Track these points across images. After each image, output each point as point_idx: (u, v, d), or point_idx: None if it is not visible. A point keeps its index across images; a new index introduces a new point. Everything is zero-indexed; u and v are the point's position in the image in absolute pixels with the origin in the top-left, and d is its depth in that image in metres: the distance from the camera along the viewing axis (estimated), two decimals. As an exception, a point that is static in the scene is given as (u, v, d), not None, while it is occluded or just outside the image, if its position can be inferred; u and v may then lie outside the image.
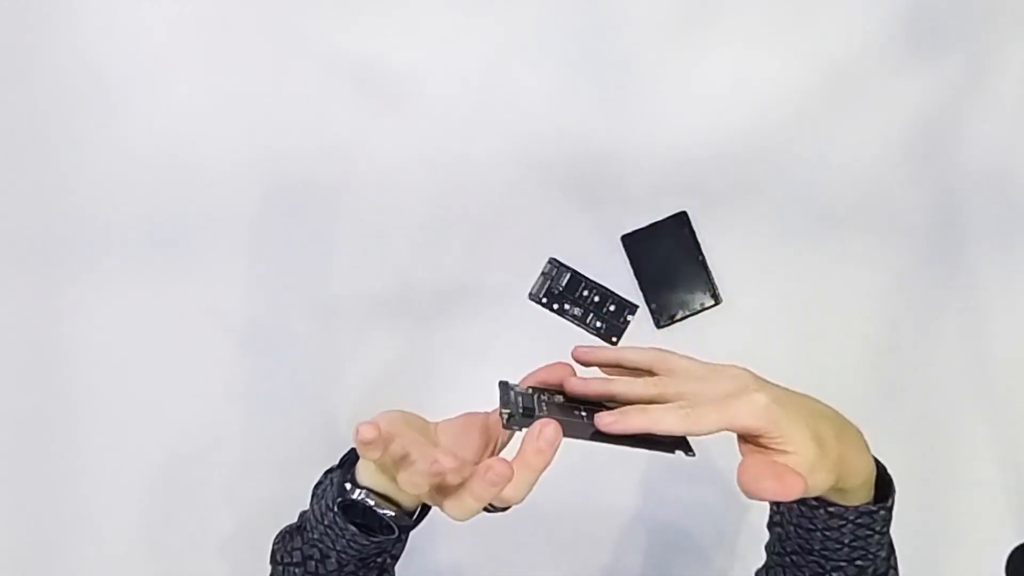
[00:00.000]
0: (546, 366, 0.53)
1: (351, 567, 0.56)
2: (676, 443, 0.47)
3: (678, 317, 0.94)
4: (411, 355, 0.94)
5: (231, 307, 0.94)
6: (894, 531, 0.55)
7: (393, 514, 0.52)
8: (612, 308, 0.94)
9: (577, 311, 0.94)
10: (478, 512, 0.46)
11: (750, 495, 0.43)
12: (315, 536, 0.55)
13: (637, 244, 0.94)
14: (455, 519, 0.46)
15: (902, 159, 0.95)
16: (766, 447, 0.45)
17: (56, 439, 0.93)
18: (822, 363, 0.93)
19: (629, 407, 0.47)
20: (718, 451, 0.53)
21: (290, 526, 0.60)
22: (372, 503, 0.52)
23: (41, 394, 0.94)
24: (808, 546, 0.55)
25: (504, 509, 0.47)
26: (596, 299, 0.94)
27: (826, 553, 0.54)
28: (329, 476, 0.57)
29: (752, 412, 0.44)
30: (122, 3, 0.96)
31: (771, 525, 0.61)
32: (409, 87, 0.96)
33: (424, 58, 0.96)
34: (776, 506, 0.60)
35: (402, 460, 0.47)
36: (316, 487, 0.58)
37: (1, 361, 0.94)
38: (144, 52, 0.96)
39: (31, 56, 0.95)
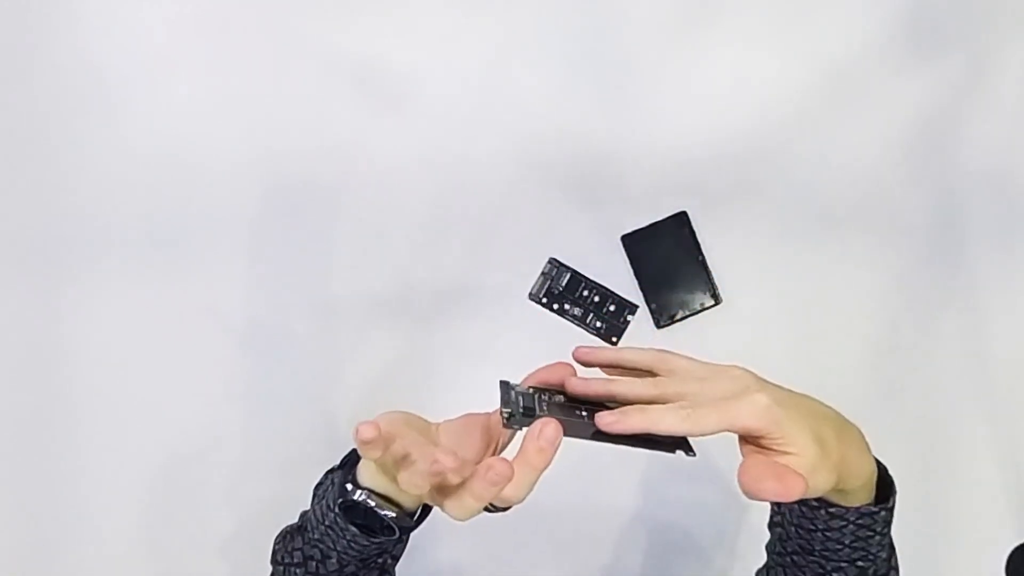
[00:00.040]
0: (547, 366, 0.53)
1: (352, 567, 0.56)
2: (677, 443, 0.47)
3: (678, 317, 0.94)
4: (411, 355, 0.94)
5: (231, 307, 0.94)
6: (894, 531, 0.55)
7: (394, 515, 0.52)
8: (612, 308, 0.94)
9: (577, 311, 0.94)
10: (479, 512, 0.46)
11: (751, 496, 0.43)
12: (316, 536, 0.55)
13: (637, 244, 0.94)
14: (456, 519, 0.46)
15: (902, 159, 0.95)
16: (767, 448, 0.45)
17: (56, 439, 0.93)
18: (822, 363, 0.93)
19: (630, 407, 0.47)
20: (718, 451, 0.54)
21: (291, 526, 0.60)
22: (373, 504, 0.52)
23: (41, 394, 0.94)
24: (809, 547, 0.55)
25: (505, 509, 0.47)
26: (596, 299, 0.94)
27: (827, 554, 0.55)
28: (330, 476, 0.57)
29: (753, 413, 0.44)
30: (122, 3, 0.96)
31: (772, 525, 0.61)
32: (409, 87, 0.96)
33: (424, 58, 0.96)
34: (777, 506, 0.60)
35: (403, 460, 0.46)
36: (317, 487, 0.58)
37: (1, 361, 0.94)
38: (144, 52, 0.96)
39: (31, 56, 0.95)
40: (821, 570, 0.55)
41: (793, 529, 0.56)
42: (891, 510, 0.53)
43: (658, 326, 0.94)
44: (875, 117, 0.95)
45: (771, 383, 0.48)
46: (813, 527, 0.54)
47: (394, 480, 0.48)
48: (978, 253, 0.95)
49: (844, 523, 0.53)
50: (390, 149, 0.95)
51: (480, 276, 0.95)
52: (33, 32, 0.95)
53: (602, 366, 0.55)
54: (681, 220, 0.94)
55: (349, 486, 0.52)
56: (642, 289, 0.94)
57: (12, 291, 0.94)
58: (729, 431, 0.45)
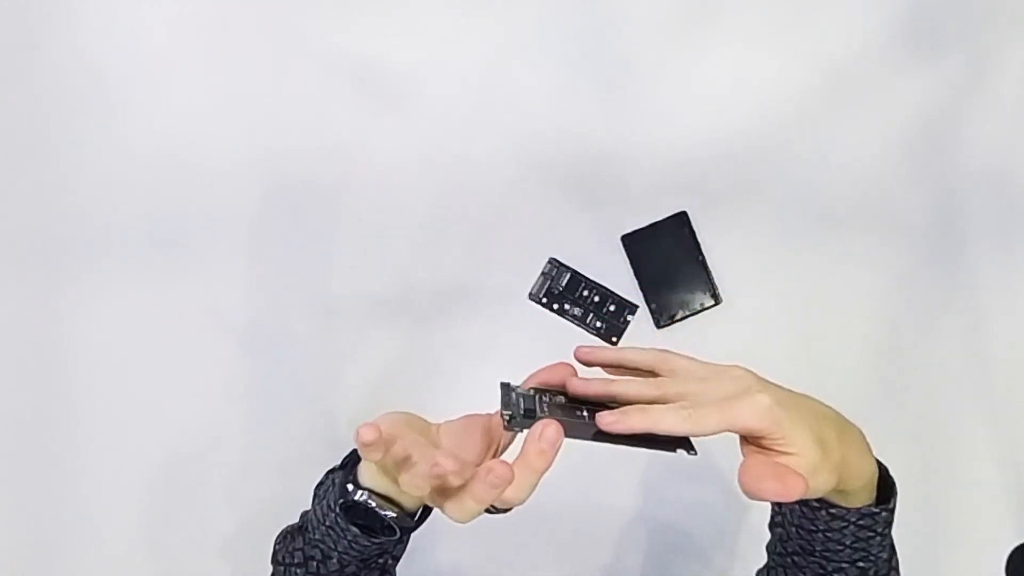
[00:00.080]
0: (548, 367, 0.53)
1: (352, 568, 0.56)
2: (678, 442, 0.47)
3: (678, 317, 0.94)
4: (411, 355, 0.94)
5: (231, 307, 0.94)
6: (895, 531, 0.55)
7: (395, 515, 0.52)
8: (612, 308, 0.94)
9: (577, 311, 0.94)
10: (479, 514, 0.46)
11: (751, 496, 0.43)
12: (317, 537, 0.55)
13: (637, 244, 0.94)
14: (456, 521, 0.46)
15: (902, 159, 0.95)
16: (768, 448, 0.45)
17: (56, 439, 0.93)
18: (822, 363, 0.93)
19: (630, 407, 0.47)
20: (719, 451, 0.54)
21: (291, 526, 0.60)
22: (374, 504, 0.52)
23: (41, 394, 0.94)
24: (810, 547, 0.55)
25: (506, 510, 0.47)
26: (596, 299, 0.94)
27: (827, 554, 0.55)
28: (331, 477, 0.57)
29: (754, 413, 0.44)
30: (122, 3, 0.96)
31: (772, 526, 0.61)
32: (409, 87, 0.96)
33: (424, 58, 0.96)
34: (778, 507, 0.60)
35: (403, 462, 0.46)
36: (318, 487, 0.58)
37: (1, 361, 0.94)
38: (144, 52, 0.96)
39: (31, 56, 0.95)
40: (822, 570, 0.55)
41: (794, 530, 0.56)
42: (892, 511, 0.53)
43: (658, 326, 0.94)
44: (875, 117, 0.95)
45: (772, 383, 0.48)
46: (814, 528, 0.54)
47: (395, 481, 0.48)
48: (978, 253, 0.95)
49: (845, 524, 0.53)
50: (390, 149, 0.95)
51: (480, 276, 0.95)
52: (33, 32, 0.95)
53: (603, 366, 0.55)
54: (681, 220, 0.94)
55: (350, 486, 0.52)
56: (642, 289, 0.94)
57: (12, 291, 0.94)
58: (730, 431, 0.45)
